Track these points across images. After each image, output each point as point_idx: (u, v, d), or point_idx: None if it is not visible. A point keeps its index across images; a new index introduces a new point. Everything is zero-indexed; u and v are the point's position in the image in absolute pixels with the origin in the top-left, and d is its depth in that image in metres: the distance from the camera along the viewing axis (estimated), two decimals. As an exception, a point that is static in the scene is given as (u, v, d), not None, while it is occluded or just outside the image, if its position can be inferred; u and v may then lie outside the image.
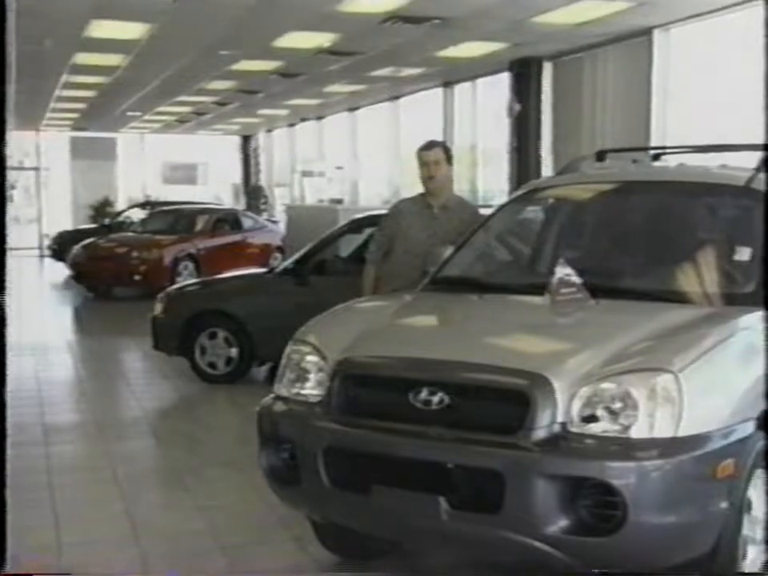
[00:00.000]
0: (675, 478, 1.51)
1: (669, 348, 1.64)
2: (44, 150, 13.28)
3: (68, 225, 11.69)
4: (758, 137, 1.78)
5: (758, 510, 1.67)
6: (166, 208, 8.92)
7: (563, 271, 1.88)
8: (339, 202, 8.01)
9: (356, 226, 4.19)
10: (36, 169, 13.26)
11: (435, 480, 1.63)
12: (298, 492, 1.82)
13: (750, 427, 1.62)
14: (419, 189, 2.80)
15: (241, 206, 12.25)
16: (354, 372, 1.78)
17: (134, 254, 7.29)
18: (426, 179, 2.69)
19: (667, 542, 1.53)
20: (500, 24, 5.49)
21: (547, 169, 6.54)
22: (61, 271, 8.85)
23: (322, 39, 6.00)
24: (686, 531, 1.55)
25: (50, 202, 13.30)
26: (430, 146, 2.72)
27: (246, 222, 8.62)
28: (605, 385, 1.57)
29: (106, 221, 10.24)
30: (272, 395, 1.92)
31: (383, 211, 3.15)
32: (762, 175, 2.04)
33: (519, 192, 2.59)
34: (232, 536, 2.23)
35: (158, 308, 4.25)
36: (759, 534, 1.65)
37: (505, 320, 1.97)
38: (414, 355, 1.77)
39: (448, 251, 2.34)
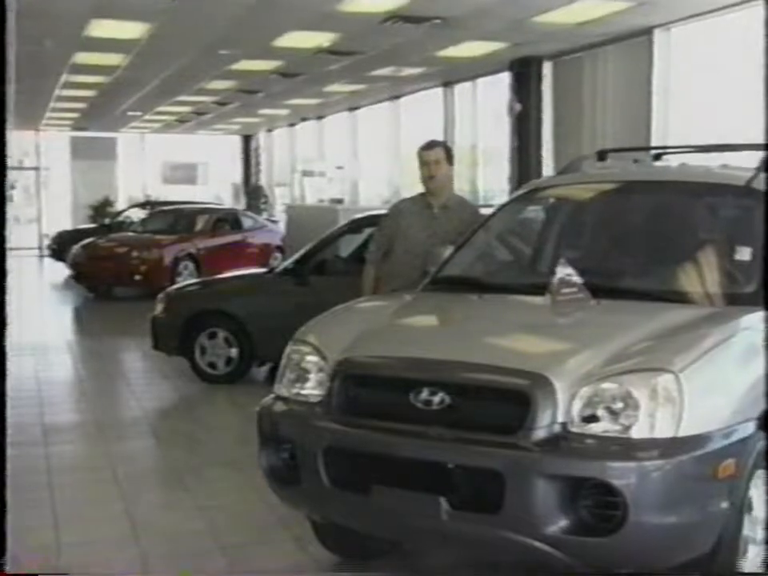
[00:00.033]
0: (676, 478, 1.51)
1: (670, 348, 1.64)
2: (44, 149, 13.28)
3: (68, 225, 11.69)
4: (759, 136, 1.78)
5: (758, 510, 1.66)
6: (166, 208, 8.91)
7: (564, 271, 1.88)
8: (339, 201, 8.01)
9: (356, 225, 4.19)
10: (36, 168, 13.26)
11: (435, 480, 1.63)
12: (298, 492, 1.82)
13: (750, 427, 1.62)
14: (419, 188, 2.79)
15: (241, 205, 12.25)
16: (355, 372, 1.78)
17: (134, 253, 7.29)
18: (427, 179, 2.69)
19: (668, 542, 1.53)
20: (500, 24, 5.49)
21: (548, 168, 6.54)
22: (60, 271, 8.85)
23: (322, 39, 6.00)
24: (687, 531, 1.55)
25: (49, 202, 13.30)
26: (430, 145, 2.71)
27: (246, 222, 8.62)
28: (605, 385, 1.57)
29: (106, 221, 10.24)
30: (272, 395, 1.92)
31: (383, 211, 3.15)
32: (762, 175, 2.04)
33: (520, 192, 2.59)
34: (232, 536, 2.23)
35: (158, 308, 4.25)
36: (760, 534, 1.65)
37: (505, 320, 1.97)
38: (414, 355, 1.77)
39: (448, 251, 2.34)
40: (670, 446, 1.52)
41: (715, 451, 1.55)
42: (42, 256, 11.42)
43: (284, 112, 10.84)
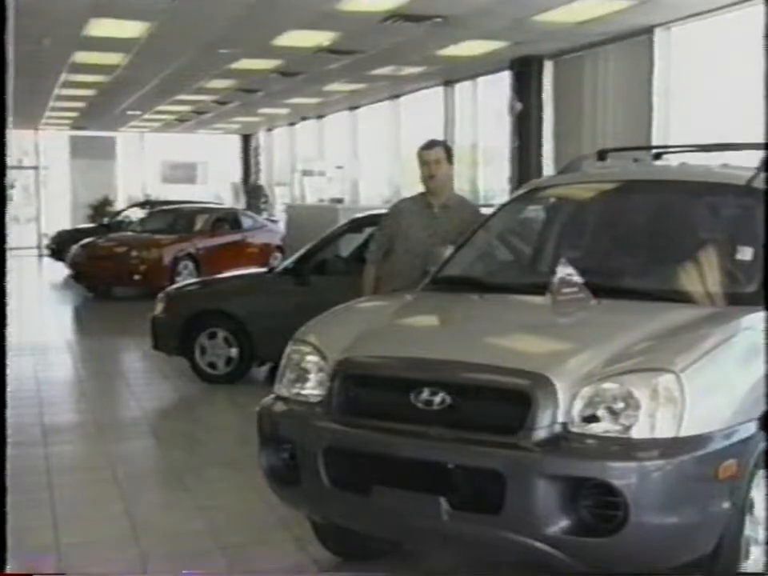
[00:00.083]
0: (677, 478, 1.51)
1: (671, 348, 1.64)
2: (43, 148, 13.27)
3: (67, 224, 11.68)
4: (760, 136, 1.77)
5: (760, 510, 1.66)
6: (165, 207, 8.90)
7: (565, 271, 1.87)
8: (339, 201, 8.01)
9: (356, 225, 4.19)
10: (35, 168, 13.25)
11: (436, 480, 1.63)
12: (298, 492, 1.82)
13: (752, 427, 1.61)
14: (420, 188, 2.79)
15: (241, 205, 12.24)
16: (355, 372, 1.78)
17: (134, 253, 7.28)
18: (427, 178, 2.69)
19: (669, 542, 1.53)
20: (501, 22, 5.49)
21: (548, 168, 6.54)
22: (60, 271, 8.84)
23: (322, 38, 6.00)
24: (688, 532, 1.55)
25: (49, 202, 13.29)
26: (430, 145, 2.71)
27: (246, 222, 8.61)
28: (606, 385, 1.57)
29: (105, 220, 10.23)
30: (272, 395, 1.91)
31: (383, 211, 3.15)
32: (763, 174, 2.04)
33: (520, 191, 2.59)
34: (232, 536, 2.23)
35: (158, 308, 4.24)
36: (761, 535, 1.64)
37: (506, 320, 1.97)
38: (414, 355, 1.77)
39: (448, 251, 2.33)
40: (670, 446, 1.52)
41: (716, 451, 1.55)
42: (41, 255, 11.42)
43: (284, 111, 10.83)
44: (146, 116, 11.24)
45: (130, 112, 10.61)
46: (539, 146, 6.69)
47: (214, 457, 2.98)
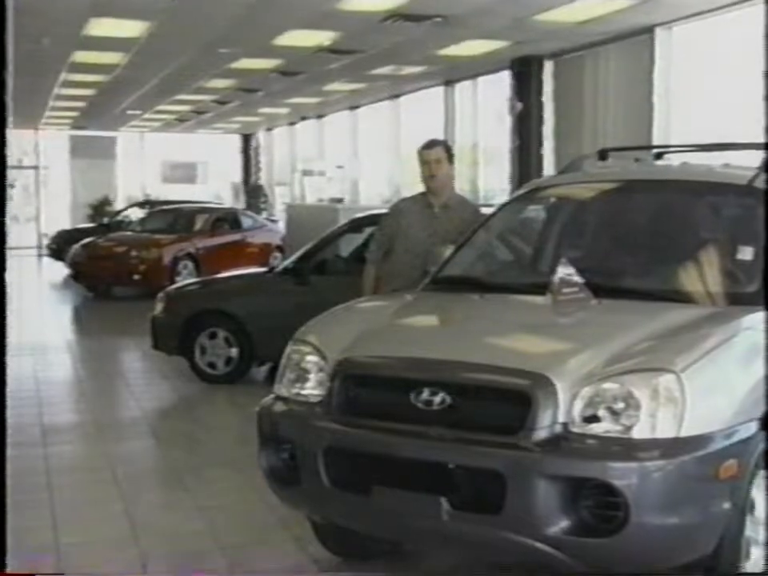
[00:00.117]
0: (677, 478, 1.51)
1: (671, 348, 1.64)
2: (43, 148, 13.27)
3: (67, 224, 11.68)
4: (761, 135, 1.77)
5: (761, 510, 1.66)
6: (165, 207, 8.90)
7: (565, 271, 1.87)
8: (339, 201, 8.00)
9: (356, 225, 4.18)
10: (35, 167, 13.24)
11: (436, 480, 1.62)
12: (298, 492, 1.82)
13: (752, 427, 1.61)
14: (420, 188, 2.78)
15: (240, 205, 12.24)
16: (355, 372, 1.77)
17: (133, 253, 7.28)
18: (427, 178, 2.68)
19: (669, 542, 1.52)
20: (501, 22, 5.48)
21: (549, 168, 6.53)
22: (60, 270, 8.84)
23: (323, 37, 5.99)
24: (689, 532, 1.55)
25: (48, 201, 13.29)
26: (431, 144, 2.71)
27: (246, 222, 8.61)
28: (607, 385, 1.57)
29: (105, 220, 10.23)
30: (272, 395, 1.91)
31: (384, 210, 3.14)
32: (764, 174, 2.03)
33: (521, 191, 2.58)
34: (232, 536, 2.23)
35: (158, 307, 4.24)
36: (762, 535, 1.64)
37: (506, 320, 1.96)
38: (414, 355, 1.77)
39: (449, 250, 2.33)
40: (671, 447, 1.52)
41: (717, 452, 1.55)
42: (40, 255, 11.42)
43: (284, 111, 10.83)
44: (146, 116, 11.23)
45: (129, 112, 10.60)
46: (539, 145, 6.68)
47: (214, 457, 2.98)
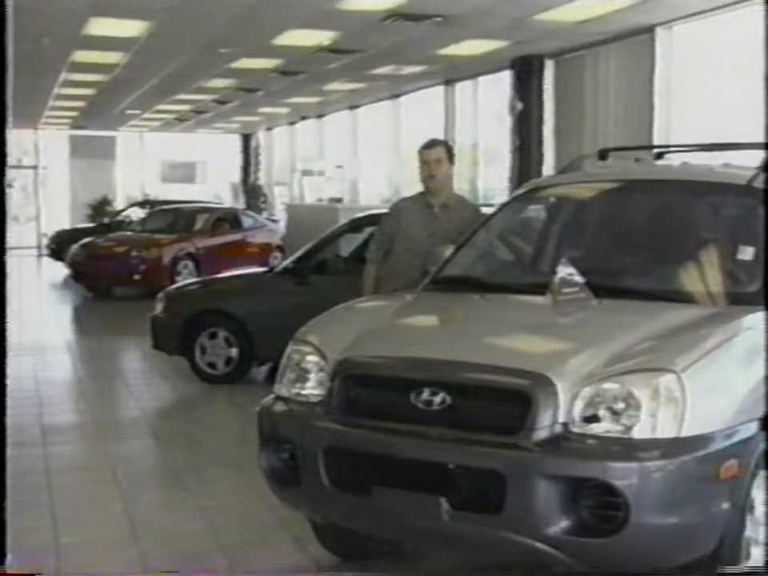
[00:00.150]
0: (678, 478, 1.51)
1: (671, 348, 1.64)
2: (42, 148, 13.26)
3: (66, 224, 11.67)
4: (761, 135, 1.76)
5: (761, 510, 1.66)
6: (165, 207, 8.89)
7: (565, 270, 1.87)
8: (339, 200, 8.00)
9: (356, 225, 4.18)
10: (34, 167, 13.24)
11: (436, 481, 1.62)
12: (298, 493, 1.82)
13: (753, 427, 1.61)
14: (420, 188, 2.78)
15: (240, 204, 12.24)
16: (355, 372, 1.77)
17: (133, 253, 7.29)
18: (427, 178, 2.68)
19: (669, 543, 1.52)
20: (501, 22, 5.48)
21: (549, 167, 6.53)
22: (59, 270, 8.84)
23: (323, 37, 5.99)
24: (689, 532, 1.55)
25: (48, 201, 13.28)
26: (431, 144, 2.71)
27: (246, 221, 8.61)
28: (607, 385, 1.57)
29: (105, 220, 10.24)
30: (272, 395, 1.91)
31: (383, 210, 3.14)
32: (764, 174, 2.03)
33: (520, 191, 2.58)
34: (232, 536, 2.23)
35: (158, 307, 4.24)
36: (762, 535, 1.64)
37: (506, 320, 1.96)
38: (415, 355, 1.77)
39: (449, 250, 2.33)
40: (671, 447, 1.51)
41: (717, 452, 1.54)
42: (40, 255, 11.42)
43: (284, 110, 10.83)
44: (146, 115, 11.23)
45: (129, 111, 10.60)
46: (540, 145, 6.68)
47: (214, 457, 2.98)
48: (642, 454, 1.51)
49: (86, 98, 9.34)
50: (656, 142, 5.43)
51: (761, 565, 1.63)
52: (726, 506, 1.55)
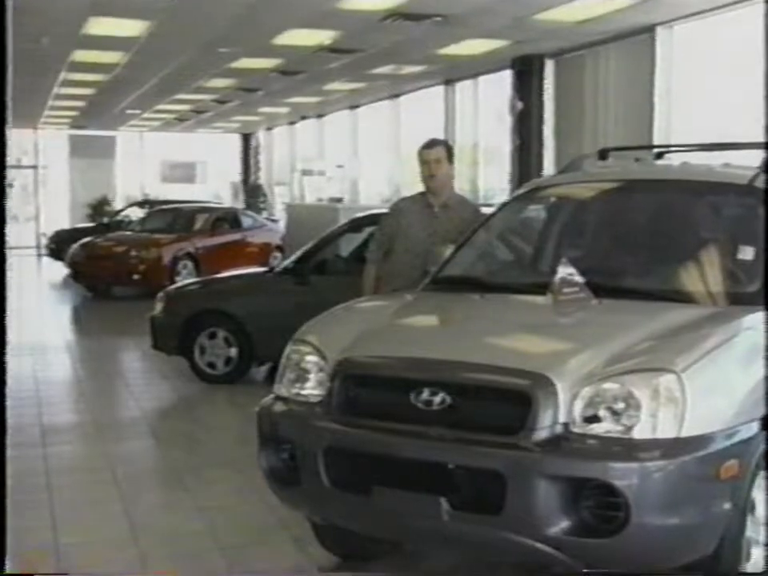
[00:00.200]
0: (678, 478, 1.51)
1: (672, 348, 1.64)
2: (42, 148, 13.25)
3: (66, 223, 11.67)
4: (761, 135, 1.76)
5: (761, 511, 1.65)
6: (164, 207, 8.89)
7: (565, 270, 1.87)
8: (339, 200, 8.00)
9: (356, 225, 4.18)
10: (34, 167, 13.23)
11: (436, 481, 1.62)
12: (298, 493, 1.81)
13: (754, 428, 1.61)
14: (420, 187, 2.78)
15: (240, 204, 12.24)
16: (355, 372, 1.77)
17: (133, 253, 7.28)
18: (427, 178, 2.68)
19: (670, 543, 1.52)
20: (502, 21, 5.47)
21: (549, 167, 6.53)
22: (59, 270, 8.84)
23: (323, 37, 5.99)
24: (689, 532, 1.55)
25: (48, 201, 13.28)
26: (431, 144, 2.70)
27: (246, 221, 8.60)
28: (607, 385, 1.57)
29: (105, 219, 10.23)
30: (272, 395, 1.91)
31: (383, 210, 3.14)
32: (765, 174, 2.03)
33: (521, 191, 2.58)
34: (232, 537, 2.23)
35: (157, 307, 4.23)
36: (763, 536, 1.64)
37: (507, 320, 1.96)
38: (415, 355, 1.76)
39: (449, 250, 2.33)
40: (672, 447, 1.51)
41: (718, 452, 1.54)
42: (40, 255, 11.41)
43: (284, 110, 10.82)
44: (146, 115, 11.22)
45: (129, 111, 10.59)
46: (540, 145, 6.68)
47: (214, 457, 2.98)
48: (642, 454, 1.51)
49: (85, 98, 9.34)
50: (656, 142, 5.43)
51: (761, 565, 1.63)
52: (726, 506, 1.55)
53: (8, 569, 1.30)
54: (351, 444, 1.72)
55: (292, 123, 12.09)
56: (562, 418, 1.56)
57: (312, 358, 1.84)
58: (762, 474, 1.64)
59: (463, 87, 8.04)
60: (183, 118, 11.59)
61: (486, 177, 8.08)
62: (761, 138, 1.85)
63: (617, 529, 1.49)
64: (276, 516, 2.24)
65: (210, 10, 5.15)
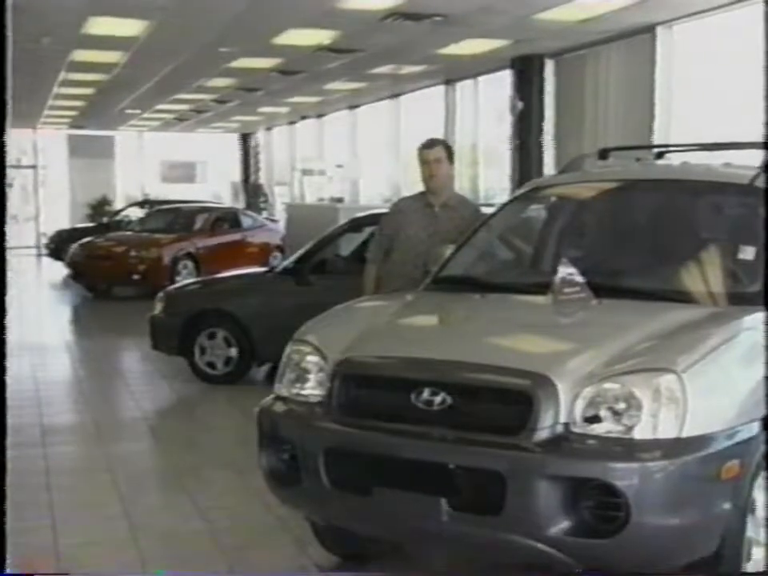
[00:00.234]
0: (679, 479, 1.50)
1: (672, 348, 1.63)
2: (42, 148, 13.25)
3: (66, 223, 11.67)
4: (762, 135, 1.76)
5: (762, 511, 1.65)
6: (164, 207, 8.89)
7: (566, 270, 1.87)
8: (339, 200, 7.99)
9: (356, 224, 4.18)
10: (33, 167, 13.23)
11: (436, 481, 1.62)
12: (298, 493, 1.81)
13: (754, 428, 1.60)
14: (420, 187, 2.78)
15: (240, 204, 12.23)
16: (355, 372, 1.77)
17: (133, 253, 7.28)
18: (427, 178, 2.68)
19: (670, 543, 1.52)
20: (502, 21, 5.47)
21: (549, 167, 6.52)
22: (59, 270, 8.84)
23: (322, 36, 5.98)
24: (690, 533, 1.55)
25: (47, 201, 13.28)
26: (431, 144, 2.70)
27: (246, 221, 8.61)
28: (608, 385, 1.56)
29: (104, 219, 10.23)
30: (272, 395, 1.91)
31: (384, 210, 3.14)
32: (765, 174, 2.02)
33: (521, 191, 2.58)
34: (231, 537, 2.22)
35: (157, 307, 4.23)
36: (763, 536, 1.64)
37: (507, 320, 1.96)
38: (415, 355, 1.76)
39: (449, 250, 2.32)
40: (673, 447, 1.51)
41: (719, 452, 1.54)
42: (39, 255, 11.41)
43: (284, 110, 10.82)
44: (145, 115, 11.22)
45: (128, 111, 10.59)
46: (540, 145, 6.67)
47: (214, 457, 2.98)
48: (643, 454, 1.51)
49: (85, 98, 9.33)
50: (656, 142, 5.42)
51: (762, 566, 1.62)
52: (727, 506, 1.55)
53: (8, 569, 1.30)
54: (351, 444, 1.72)
55: (292, 123, 12.08)
56: (562, 418, 1.56)
57: (312, 358, 1.84)
58: (762, 474, 1.64)
59: (463, 87, 8.03)
60: (183, 117, 11.58)
61: (486, 177, 8.08)
62: (761, 138, 1.84)
63: (617, 529, 1.49)
64: (276, 516, 2.24)
65: (210, 9, 5.14)
